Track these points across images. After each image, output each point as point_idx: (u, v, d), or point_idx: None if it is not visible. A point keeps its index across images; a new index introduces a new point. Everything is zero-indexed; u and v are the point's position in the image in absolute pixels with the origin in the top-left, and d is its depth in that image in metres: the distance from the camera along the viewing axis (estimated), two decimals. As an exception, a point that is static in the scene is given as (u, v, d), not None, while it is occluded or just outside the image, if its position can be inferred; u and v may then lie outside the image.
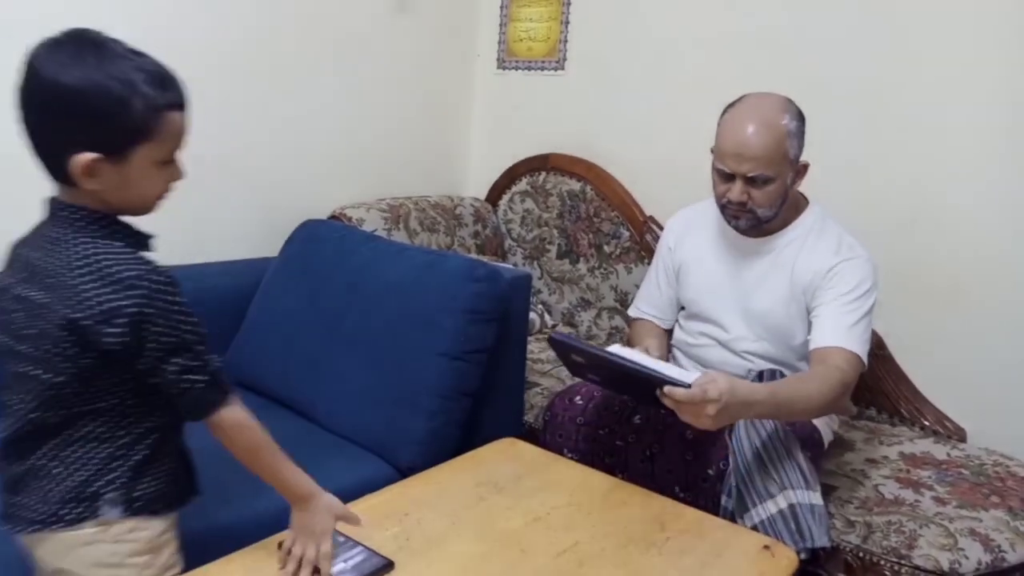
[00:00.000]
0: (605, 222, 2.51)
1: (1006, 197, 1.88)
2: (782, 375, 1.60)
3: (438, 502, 1.32)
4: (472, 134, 2.86)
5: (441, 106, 2.76)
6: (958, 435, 1.94)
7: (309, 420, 1.74)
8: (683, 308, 1.82)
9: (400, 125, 2.63)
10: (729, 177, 1.54)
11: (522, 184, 2.70)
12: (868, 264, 1.56)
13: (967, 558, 1.41)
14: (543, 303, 2.65)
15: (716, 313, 1.70)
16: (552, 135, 2.65)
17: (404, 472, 1.55)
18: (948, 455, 1.80)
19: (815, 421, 1.64)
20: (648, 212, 2.44)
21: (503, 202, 2.76)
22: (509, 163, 2.74)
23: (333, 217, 2.37)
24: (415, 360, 1.65)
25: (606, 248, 2.51)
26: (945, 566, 1.40)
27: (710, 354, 1.72)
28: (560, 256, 2.63)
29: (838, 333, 1.52)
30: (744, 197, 1.53)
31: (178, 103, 0.98)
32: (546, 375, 2.18)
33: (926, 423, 1.98)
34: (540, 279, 2.68)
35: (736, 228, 1.62)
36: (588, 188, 2.54)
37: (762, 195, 1.53)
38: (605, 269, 2.52)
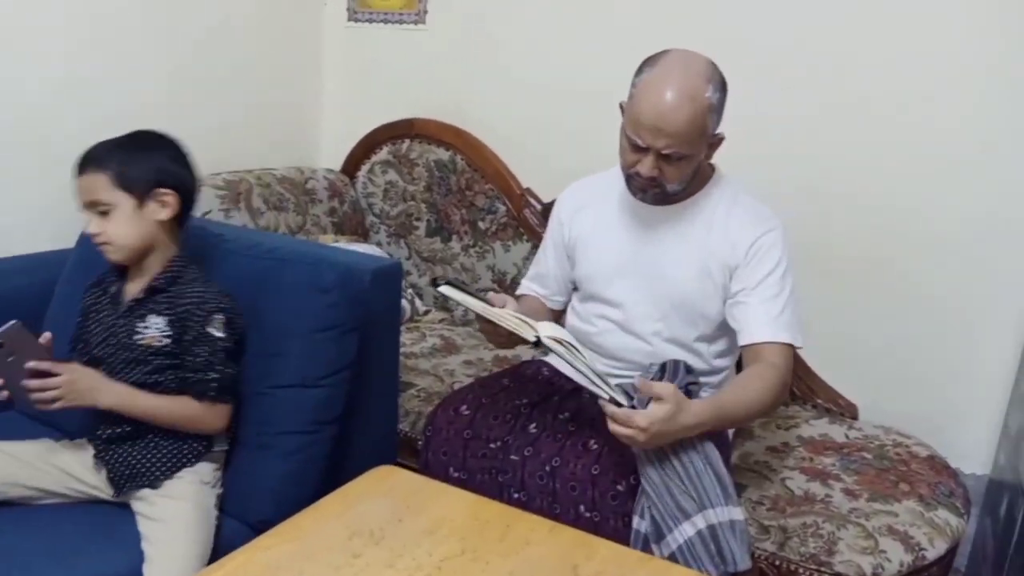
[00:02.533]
0: (479, 195, 2.28)
1: (898, 170, 1.81)
2: (686, 366, 1.45)
3: (303, 566, 1.06)
4: (322, 97, 2.52)
5: (284, 64, 2.40)
6: (850, 412, 1.89)
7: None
8: (577, 290, 1.62)
9: (236, 86, 2.26)
10: (642, 149, 1.35)
11: (383, 153, 2.41)
12: (784, 234, 1.44)
13: (889, 560, 1.32)
14: (413, 286, 2.39)
15: (615, 290, 1.52)
16: (415, 98, 2.36)
17: (256, 528, 1.27)
18: (847, 436, 1.74)
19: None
20: (526, 184, 2.23)
21: (362, 174, 2.46)
22: (367, 129, 2.43)
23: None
24: (261, 396, 1.37)
25: (481, 224, 2.28)
26: (868, 572, 1.31)
27: (609, 341, 1.54)
28: (430, 234, 2.38)
29: (769, 325, 1.39)
30: (655, 172, 1.36)
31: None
32: (422, 373, 1.93)
33: (818, 401, 1.91)
34: (409, 259, 2.41)
35: (641, 199, 1.45)
36: (459, 158, 2.29)
37: (674, 171, 1.36)
38: (481, 247, 2.29)
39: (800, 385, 1.92)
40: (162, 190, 1.33)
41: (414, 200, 2.38)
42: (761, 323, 1.40)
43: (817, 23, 1.84)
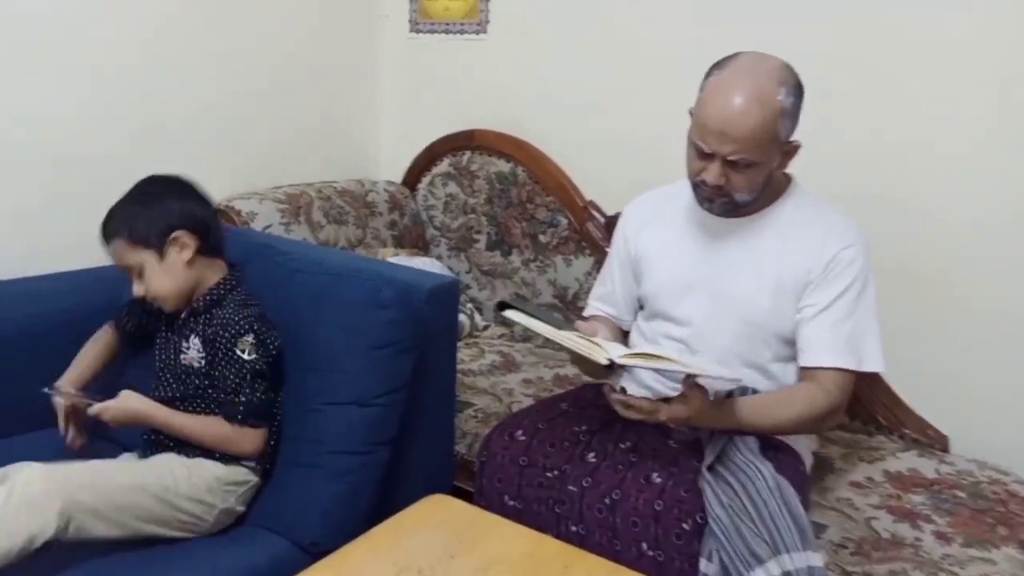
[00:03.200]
0: (540, 208, 2.21)
1: (999, 183, 1.66)
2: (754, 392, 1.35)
3: (347, 604, 1.01)
4: (383, 108, 2.50)
5: (345, 76, 2.39)
6: (940, 444, 1.74)
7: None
8: (642, 308, 1.54)
9: (298, 100, 2.26)
10: (707, 155, 1.27)
11: (443, 165, 2.37)
12: (866, 250, 1.35)
13: (988, 617, 1.19)
14: (473, 300, 2.34)
15: (683, 308, 1.43)
16: (476, 109, 2.31)
17: (307, 550, 1.24)
18: (937, 472, 1.60)
19: (798, 448, 1.40)
20: (588, 196, 2.15)
21: (422, 186, 2.42)
22: (427, 141, 2.39)
23: (217, 211, 1.99)
24: (313, 411, 1.33)
25: (542, 238, 2.21)
26: (964, 629, 1.18)
27: (674, 360, 1.45)
28: (490, 247, 2.32)
29: (831, 350, 1.32)
30: (722, 180, 1.29)
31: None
32: (480, 392, 1.87)
33: (906, 431, 1.77)
34: (468, 273, 2.36)
35: (708, 210, 1.36)
36: (519, 170, 2.23)
37: (743, 179, 1.28)
38: (542, 261, 2.22)
39: (886, 414, 1.79)
40: (175, 233, 1.34)
41: (474, 213, 2.33)
42: (824, 347, 1.33)
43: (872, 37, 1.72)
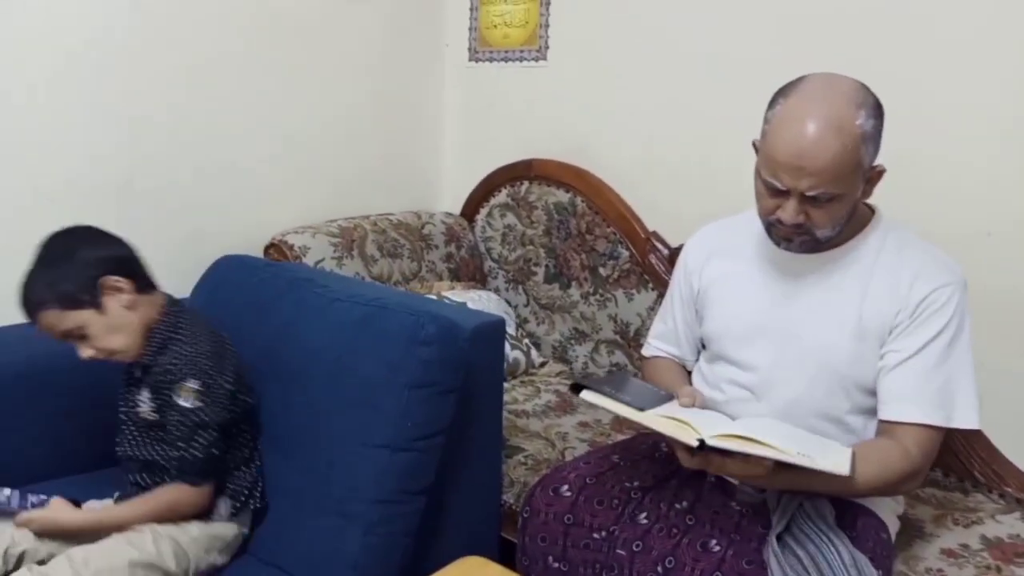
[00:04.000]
0: (600, 239, 2.11)
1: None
2: None
3: None
4: (442, 138, 2.45)
5: (404, 106, 2.35)
6: (1050, 505, 1.54)
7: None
8: (704, 348, 1.42)
9: (355, 131, 2.23)
10: (782, 192, 1.15)
11: (502, 196, 2.30)
12: (963, 290, 1.21)
13: None
14: (530, 335, 2.25)
15: (749, 352, 1.31)
16: (535, 137, 2.24)
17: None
18: (1046, 540, 1.40)
19: (881, 514, 1.24)
20: (651, 227, 2.04)
21: (480, 217, 2.36)
22: (486, 171, 2.33)
23: (272, 246, 1.97)
24: (347, 453, 1.26)
25: (602, 271, 2.11)
26: None
27: (740, 410, 1.32)
28: (549, 280, 2.23)
29: (917, 402, 1.18)
30: (800, 218, 1.17)
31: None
32: (532, 436, 1.77)
33: (1007, 489, 1.57)
34: (527, 307, 2.28)
35: (787, 249, 1.24)
36: (579, 200, 2.14)
37: (824, 215, 1.16)
38: (602, 295, 2.11)
39: (983, 468, 1.59)
40: (103, 279, 1.25)
41: (532, 245, 2.25)
42: (907, 399, 1.19)
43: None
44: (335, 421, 1.28)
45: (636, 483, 1.29)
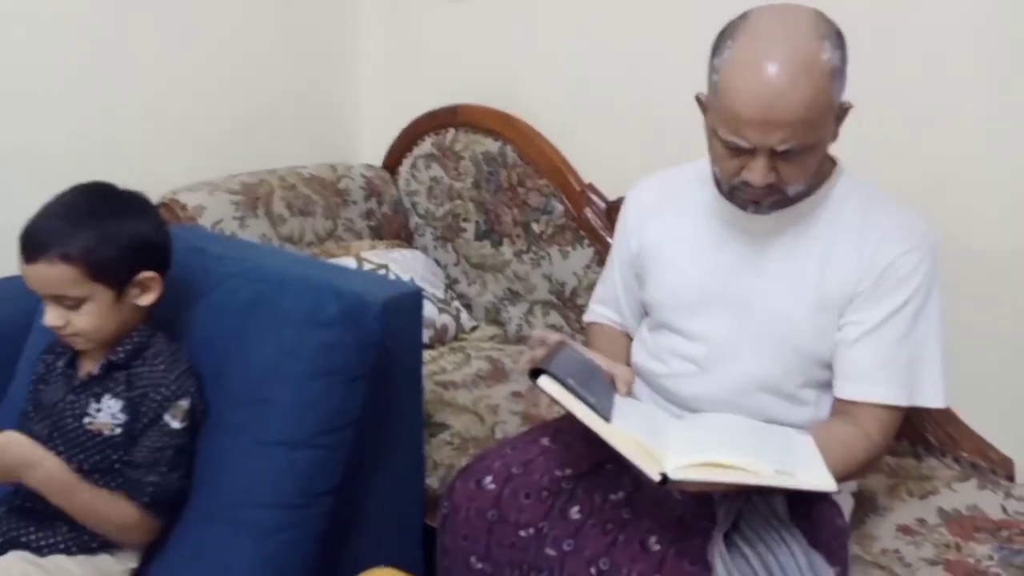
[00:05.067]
0: (532, 192, 1.94)
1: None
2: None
3: None
4: (359, 82, 2.22)
5: (314, 46, 2.11)
6: (1004, 469, 1.46)
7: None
8: (647, 315, 1.28)
9: (257, 74, 1.99)
10: (746, 151, 1.00)
11: (426, 145, 2.10)
12: (934, 255, 1.09)
13: None
14: (461, 296, 2.08)
15: (697, 322, 1.17)
16: (460, 80, 2.03)
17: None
18: (1004, 509, 1.32)
19: (836, 497, 1.13)
20: (587, 179, 1.88)
21: (404, 169, 2.16)
22: (409, 119, 2.12)
23: (162, 206, 1.75)
24: (239, 454, 1.08)
25: (535, 227, 1.94)
26: None
27: (684, 386, 1.19)
28: (479, 237, 2.06)
29: (878, 380, 1.07)
30: (771, 177, 1.02)
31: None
32: (460, 411, 1.62)
33: (962, 454, 1.49)
34: (457, 266, 2.10)
35: (755, 212, 1.09)
36: (509, 149, 1.96)
37: (796, 169, 1.02)
38: (536, 253, 1.95)
39: (937, 432, 1.51)
40: (145, 274, 1.07)
41: (461, 199, 2.06)
42: (868, 377, 1.07)
43: None
44: (225, 418, 1.10)
45: (568, 471, 1.15)
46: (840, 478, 1.06)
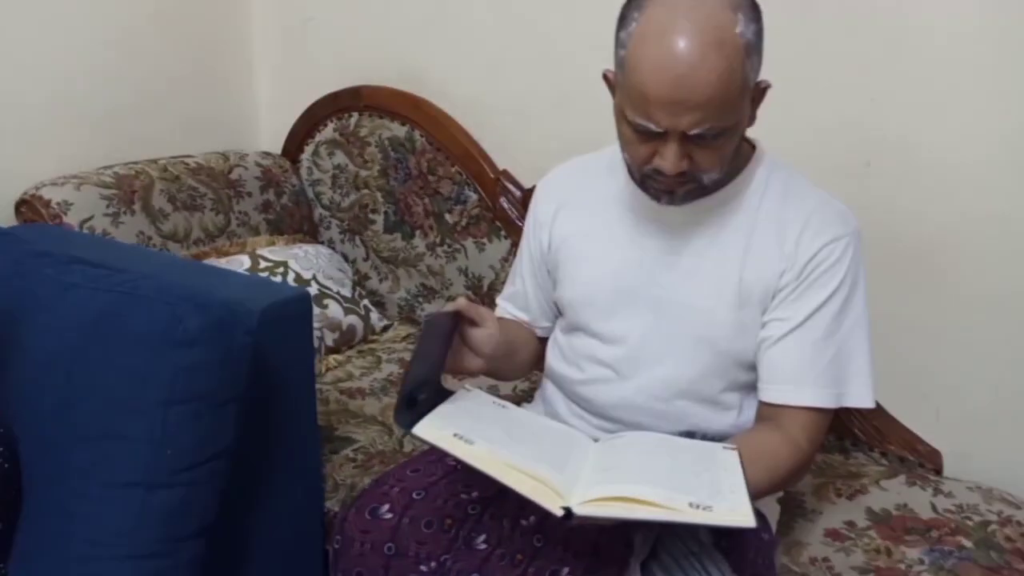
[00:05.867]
0: (444, 181, 1.81)
1: (1004, 136, 1.30)
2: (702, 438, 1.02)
3: None
4: (252, 61, 2.04)
5: (201, 21, 1.92)
6: (933, 463, 1.42)
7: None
8: (561, 314, 1.17)
9: (134, 53, 1.79)
10: (656, 135, 0.90)
11: (328, 131, 1.94)
12: (857, 242, 1.01)
13: None
14: (371, 294, 1.94)
15: (612, 323, 1.08)
16: (363, 60, 1.88)
17: None
18: (933, 507, 1.27)
19: (762, 509, 1.06)
20: (502, 166, 1.76)
21: (305, 157, 2.00)
22: (309, 102, 1.96)
23: (23, 203, 1.56)
24: (87, 499, 0.92)
25: (448, 217, 1.82)
26: None
27: (601, 393, 1.10)
28: (389, 229, 1.92)
29: (804, 381, 1.00)
30: (684, 164, 0.92)
31: None
32: (367, 422, 1.49)
33: (890, 447, 1.44)
34: (366, 260, 1.96)
35: (669, 203, 0.98)
36: (417, 134, 1.82)
37: (711, 155, 0.92)
38: (449, 245, 1.83)
39: (864, 426, 1.46)
40: None
41: (367, 188, 1.92)
42: (793, 378, 1.00)
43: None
44: (71, 458, 0.94)
45: (475, 493, 1.04)
46: (766, 491, 1.00)
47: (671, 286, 1.03)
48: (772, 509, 1.13)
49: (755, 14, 0.89)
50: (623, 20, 0.91)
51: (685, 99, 0.86)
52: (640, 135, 0.91)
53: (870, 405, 1.04)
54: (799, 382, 1.00)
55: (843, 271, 0.99)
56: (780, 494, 1.17)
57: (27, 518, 0.95)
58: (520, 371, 1.24)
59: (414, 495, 1.04)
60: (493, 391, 1.37)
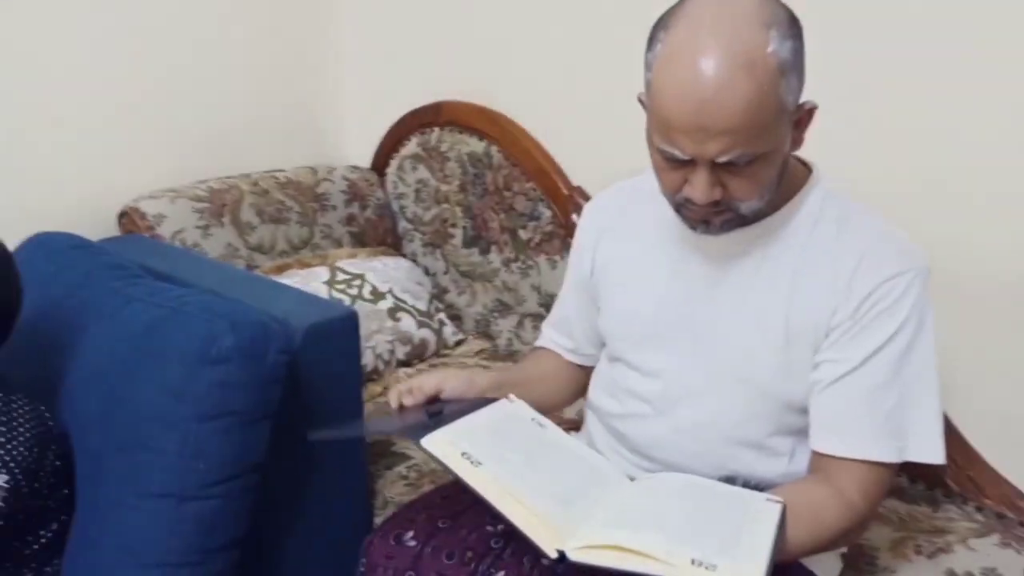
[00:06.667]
0: (518, 197, 1.79)
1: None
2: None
3: None
4: (341, 79, 2.09)
5: (291, 42, 1.99)
6: (1036, 521, 1.26)
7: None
8: (605, 344, 1.13)
9: (235, 74, 1.89)
10: (684, 162, 0.85)
11: (412, 145, 1.97)
12: (924, 280, 0.91)
13: None
14: (450, 307, 1.96)
15: (649, 356, 1.02)
16: (444, 76, 1.90)
17: None
18: (1028, 575, 1.13)
19: (816, 569, 0.97)
20: (576, 182, 1.72)
21: (391, 171, 2.04)
22: (396, 117, 1.99)
23: (123, 215, 1.67)
24: (121, 508, 0.98)
25: (522, 233, 1.80)
26: None
27: (638, 429, 1.04)
28: (467, 244, 1.92)
29: (860, 432, 0.91)
30: (717, 194, 0.86)
31: None
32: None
33: (987, 502, 1.29)
34: (446, 274, 1.98)
35: (705, 233, 0.93)
36: (494, 149, 1.82)
37: (746, 184, 0.86)
38: (523, 262, 1.81)
39: (957, 475, 1.31)
40: None
41: (448, 202, 1.93)
42: (847, 428, 0.90)
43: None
44: (110, 466, 1.00)
45: (500, 526, 1.01)
46: (810, 550, 0.91)
47: (710, 320, 0.97)
48: (830, 566, 1.03)
49: (792, 30, 0.82)
50: (650, 41, 0.86)
51: (710, 125, 0.80)
52: (669, 162, 0.86)
53: (938, 461, 0.93)
54: (854, 432, 0.91)
55: (905, 311, 0.89)
56: (844, 548, 1.07)
57: (76, 519, 1.01)
58: (552, 404, 1.19)
59: (440, 523, 1.02)
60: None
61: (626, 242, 1.06)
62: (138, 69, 1.73)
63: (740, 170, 0.84)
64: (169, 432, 0.97)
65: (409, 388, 1.01)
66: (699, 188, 0.85)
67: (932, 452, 0.92)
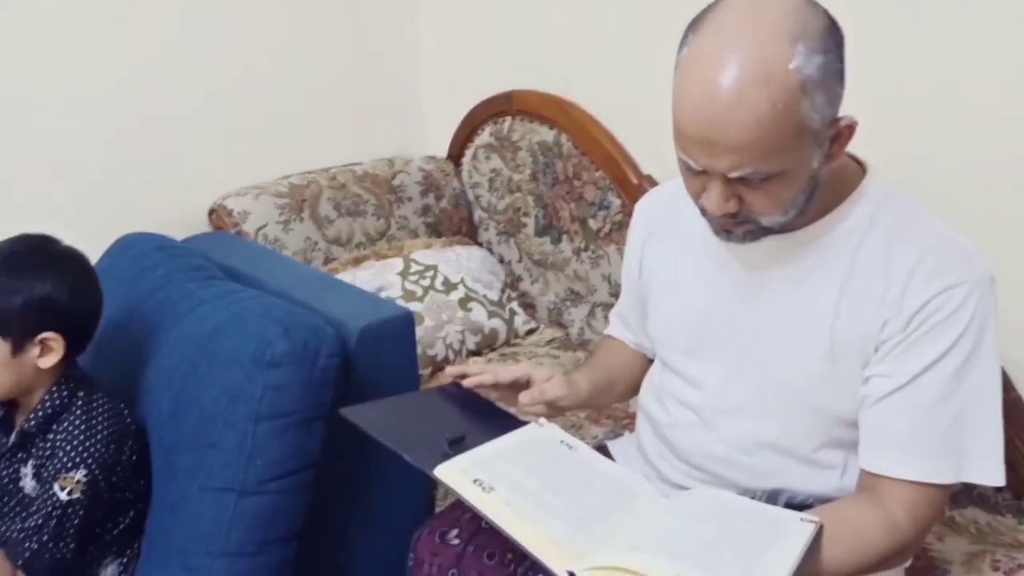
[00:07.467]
0: (588, 186, 1.78)
1: None
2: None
3: None
4: (418, 71, 2.12)
5: (369, 36, 2.03)
6: None
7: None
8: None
9: (314, 71, 1.94)
10: (699, 172, 0.83)
11: (485, 135, 1.99)
12: (985, 290, 0.84)
13: None
14: (523, 295, 1.97)
15: (693, 364, 1.01)
16: (515, 65, 1.89)
17: None
18: (1119, 602, 1.04)
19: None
20: (646, 171, 1.69)
21: (466, 160, 2.06)
22: (469, 107, 2.01)
23: (212, 212, 1.77)
24: (189, 499, 1.05)
25: (592, 223, 1.79)
26: None
27: (684, 438, 1.03)
28: (539, 232, 1.93)
29: (909, 450, 0.86)
30: (731, 206, 0.83)
31: None
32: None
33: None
34: (520, 263, 1.99)
35: (726, 241, 0.90)
36: (564, 138, 1.80)
37: (763, 199, 0.82)
38: (594, 251, 1.80)
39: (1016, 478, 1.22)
40: (46, 335, 1.01)
41: (520, 191, 1.94)
42: (896, 446, 0.86)
43: None
44: (179, 460, 1.08)
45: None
46: (848, 573, 0.87)
47: (752, 331, 0.93)
48: (894, 582, 0.99)
49: (824, 43, 0.76)
50: (681, 42, 0.83)
51: (720, 140, 0.77)
52: (687, 169, 0.84)
53: (998, 483, 0.87)
54: (904, 450, 0.86)
55: (963, 323, 0.83)
56: (908, 563, 1.02)
57: (152, 508, 1.10)
58: (621, 399, 1.20)
59: (483, 523, 1.04)
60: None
61: (672, 247, 1.04)
62: (225, 69, 1.80)
63: (756, 186, 0.80)
64: (229, 431, 1.03)
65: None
66: (713, 199, 0.82)
67: (991, 473, 0.86)
